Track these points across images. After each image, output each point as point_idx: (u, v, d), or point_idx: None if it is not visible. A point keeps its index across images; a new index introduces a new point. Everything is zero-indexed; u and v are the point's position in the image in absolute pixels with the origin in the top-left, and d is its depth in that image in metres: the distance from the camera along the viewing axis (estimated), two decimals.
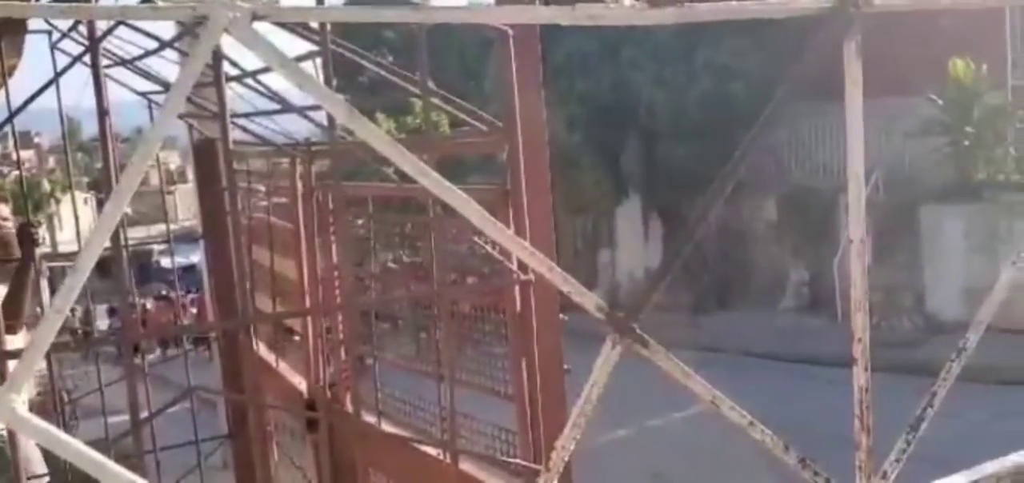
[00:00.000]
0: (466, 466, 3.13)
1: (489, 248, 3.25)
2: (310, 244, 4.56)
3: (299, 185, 4.69)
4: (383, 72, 3.50)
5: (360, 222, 4.60)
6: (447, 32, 18.66)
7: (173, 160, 32.97)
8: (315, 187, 4.43)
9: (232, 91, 3.99)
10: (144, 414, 3.51)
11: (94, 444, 0.69)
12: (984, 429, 8.13)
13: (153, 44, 3.71)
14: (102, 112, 2.86)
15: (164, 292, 22.76)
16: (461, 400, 3.20)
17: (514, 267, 2.83)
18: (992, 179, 12.42)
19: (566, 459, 1.53)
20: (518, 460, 2.86)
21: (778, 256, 14.16)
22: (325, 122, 3.69)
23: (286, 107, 3.85)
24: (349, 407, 4.01)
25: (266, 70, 3.40)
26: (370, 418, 3.87)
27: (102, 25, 2.88)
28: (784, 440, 1.75)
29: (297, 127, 4.75)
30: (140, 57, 3.99)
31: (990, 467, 1.99)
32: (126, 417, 3.18)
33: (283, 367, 5.22)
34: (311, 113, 3.81)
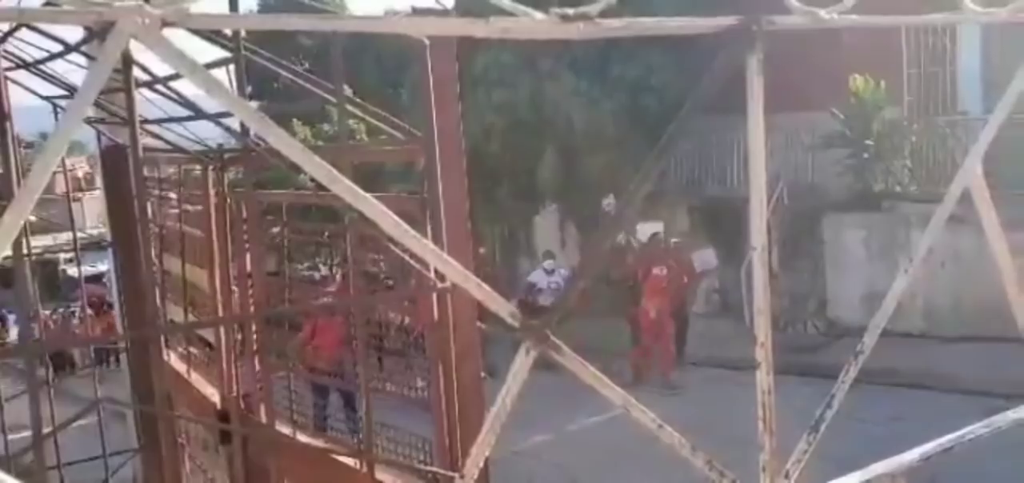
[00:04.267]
0: (383, 475, 3.13)
1: (407, 257, 3.26)
2: (223, 253, 4.49)
3: (212, 193, 4.61)
4: (298, 79, 3.47)
5: (275, 231, 4.55)
6: (366, 41, 18.53)
7: (81, 167, 31.82)
8: (228, 195, 4.37)
9: (143, 97, 3.91)
10: (48, 429, 3.40)
11: None
12: (883, 430, 8.47)
13: (58, 47, 3.61)
14: (1, 115, 2.78)
15: (109, 302, 21.85)
16: (382, 409, 3.21)
17: (432, 275, 2.84)
18: (890, 190, 12.98)
19: (481, 464, 1.57)
20: (434, 468, 2.87)
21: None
22: (239, 129, 3.64)
23: (198, 114, 3.78)
24: (263, 418, 3.95)
25: (178, 76, 3.34)
26: (285, 428, 3.83)
27: (2, 27, 2.79)
28: (692, 442, 1.81)
29: (210, 134, 4.67)
30: (43, 61, 3.86)
31: (884, 466, 2.10)
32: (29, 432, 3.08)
33: (196, 378, 5.11)
34: (225, 120, 3.76)
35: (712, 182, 15.63)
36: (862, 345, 1.99)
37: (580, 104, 15.39)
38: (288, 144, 1.31)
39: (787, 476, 1.84)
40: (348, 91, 3.27)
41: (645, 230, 13.28)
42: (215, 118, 3.76)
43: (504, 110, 16.03)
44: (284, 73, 3.51)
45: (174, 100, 3.84)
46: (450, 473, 2.60)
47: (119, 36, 0.70)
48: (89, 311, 19.95)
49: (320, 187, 1.38)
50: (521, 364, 1.48)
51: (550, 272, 13.29)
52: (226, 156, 4.40)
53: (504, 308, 1.50)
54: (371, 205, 1.39)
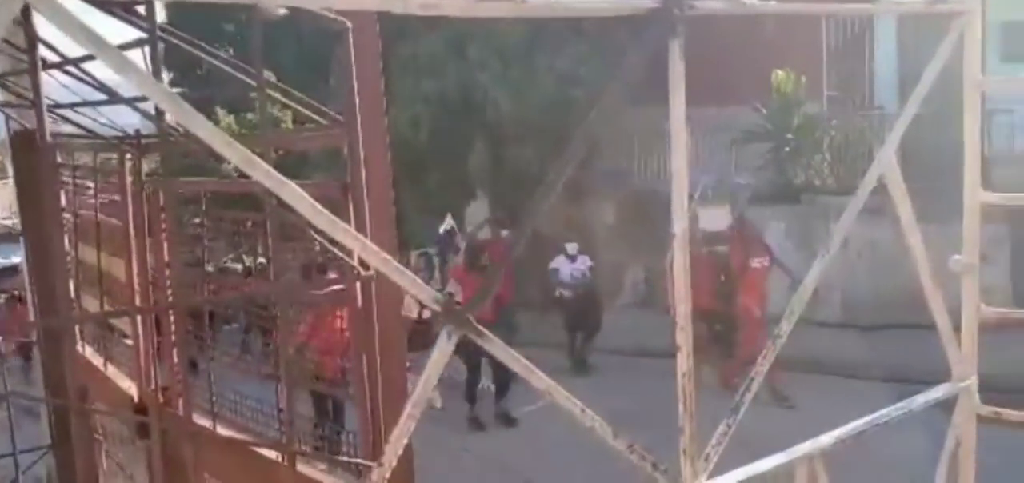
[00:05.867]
0: (305, 468, 3.08)
1: (333, 247, 3.21)
2: (140, 242, 4.36)
3: (128, 180, 4.46)
4: (218, 63, 3.38)
5: (196, 220, 4.43)
6: (290, 30, 18.21)
7: None
8: (146, 182, 4.24)
9: (56, 80, 3.76)
10: None
11: None
12: (802, 416, 8.70)
13: None
14: None
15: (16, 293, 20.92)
16: (305, 402, 3.16)
17: (356, 264, 2.80)
18: (810, 183, 13.34)
19: (400, 451, 1.55)
20: (357, 459, 2.84)
21: (617, 256, 14.67)
22: (162, 115, 3.54)
23: (113, 97, 3.66)
24: (182, 411, 3.85)
25: (90, 58, 3.22)
26: (204, 422, 3.74)
27: None
28: (614, 427, 1.82)
29: (127, 120, 4.52)
30: None
31: (804, 448, 2.15)
32: None
33: (112, 371, 4.95)
34: (142, 104, 3.64)
35: (638, 174, 15.83)
36: (779, 330, 2.04)
37: (509, 94, 15.41)
38: (204, 127, 1.27)
39: (707, 459, 1.87)
40: (274, 80, 3.20)
41: (709, 216, 11.57)
42: (131, 102, 3.64)
43: (432, 99, 15.95)
44: (204, 55, 3.41)
45: (88, 83, 3.70)
46: (368, 463, 2.57)
47: (7, 4, 0.66)
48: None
49: (243, 175, 1.35)
50: (442, 349, 1.47)
51: (573, 259, 12.36)
52: (143, 142, 4.26)
53: (426, 294, 1.49)
54: (291, 191, 1.36)
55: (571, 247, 12.39)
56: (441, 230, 15.71)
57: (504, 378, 9.69)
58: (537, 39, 15.16)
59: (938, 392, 2.12)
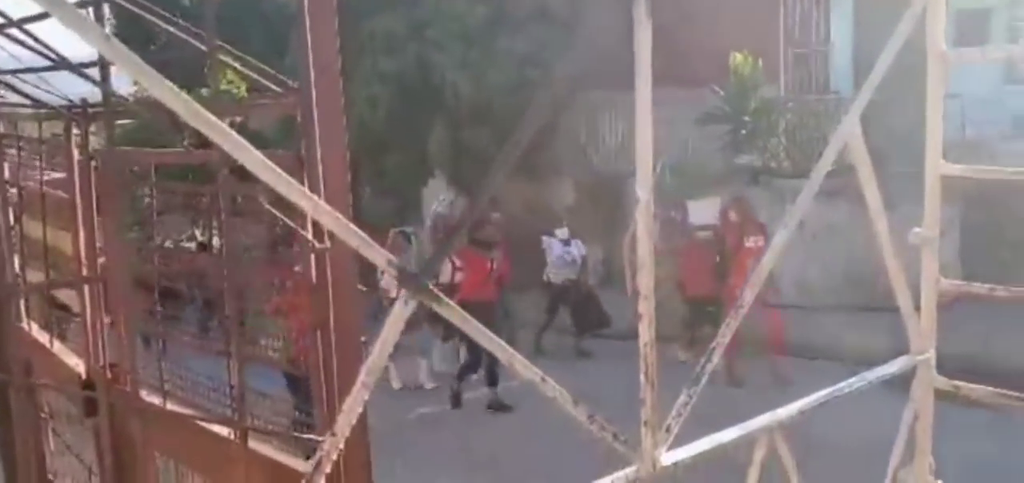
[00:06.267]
0: (258, 445, 3.02)
1: (289, 222, 3.13)
2: (88, 215, 4.23)
3: (75, 151, 4.33)
4: (171, 29, 3.28)
5: (145, 192, 4.31)
6: (256, 9, 17.88)
7: None
8: (94, 153, 4.11)
9: None
10: None
11: None
12: (764, 395, 8.80)
13: None
14: None
15: None
16: (257, 378, 3.09)
17: (310, 236, 2.74)
18: (766, 166, 13.47)
19: (353, 421, 1.50)
20: (310, 436, 2.78)
21: (577, 237, 14.68)
22: (109, 82, 3.43)
23: (59, 63, 3.53)
24: (130, 387, 3.76)
25: (35, 18, 3.10)
26: (155, 399, 3.65)
27: None
28: (574, 397, 1.79)
29: (74, 88, 4.37)
30: None
31: (760, 421, 2.14)
32: None
33: (59, 348, 4.82)
34: (90, 71, 3.52)
35: (598, 156, 15.86)
36: (738, 304, 2.03)
37: (469, 75, 15.31)
38: (164, 89, 1.21)
39: (668, 430, 1.85)
40: (232, 51, 3.11)
41: (699, 208, 11.66)
42: (78, 69, 3.52)
43: (391, 79, 15.80)
44: (156, 22, 3.30)
45: (32, 49, 3.56)
46: (318, 438, 2.52)
47: None
48: None
49: (196, 147, 1.29)
50: (397, 314, 1.43)
51: (566, 242, 12.12)
52: (91, 111, 4.13)
53: (381, 259, 1.44)
54: (249, 154, 1.30)
55: (561, 232, 12.18)
56: (436, 209, 15.56)
57: (490, 364, 9.62)
58: (498, 21, 15.08)
59: (897, 365, 2.13)
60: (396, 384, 10.36)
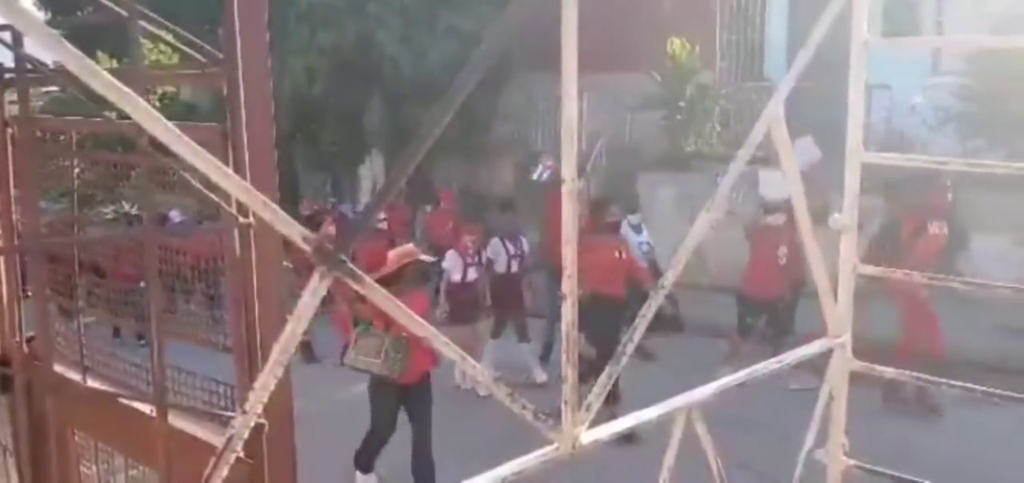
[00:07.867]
0: (179, 422, 2.96)
1: (211, 194, 3.06)
2: (4, 185, 4.08)
3: None
4: None
5: (65, 162, 4.17)
6: None
7: None
8: (9, 122, 3.96)
9: None
10: None
11: None
12: (689, 376, 8.91)
13: None
14: None
15: None
16: (182, 356, 3.03)
17: (234, 210, 2.68)
18: (700, 151, 13.67)
19: (265, 399, 1.47)
20: (229, 413, 2.73)
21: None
22: (22, 47, 3.30)
23: None
24: (44, 362, 3.65)
25: None
26: (74, 375, 3.55)
27: None
28: (496, 376, 1.78)
29: None
30: None
31: (679, 400, 2.16)
32: None
33: None
34: (3, 35, 3.39)
35: (538, 138, 15.89)
36: (662, 282, 2.05)
37: (409, 52, 15.18)
38: (76, 59, 1.16)
39: (588, 408, 1.87)
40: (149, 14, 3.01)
41: (768, 180, 9.13)
42: None
43: (329, 52, 15.56)
44: None
45: None
46: (229, 414, 2.48)
47: None
48: None
49: (121, 117, 1.25)
50: (313, 289, 1.41)
51: (637, 228, 10.72)
52: (6, 78, 3.97)
53: (297, 234, 1.42)
54: (166, 129, 1.26)
55: (634, 218, 10.69)
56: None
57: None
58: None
59: (813, 348, 2.18)
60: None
